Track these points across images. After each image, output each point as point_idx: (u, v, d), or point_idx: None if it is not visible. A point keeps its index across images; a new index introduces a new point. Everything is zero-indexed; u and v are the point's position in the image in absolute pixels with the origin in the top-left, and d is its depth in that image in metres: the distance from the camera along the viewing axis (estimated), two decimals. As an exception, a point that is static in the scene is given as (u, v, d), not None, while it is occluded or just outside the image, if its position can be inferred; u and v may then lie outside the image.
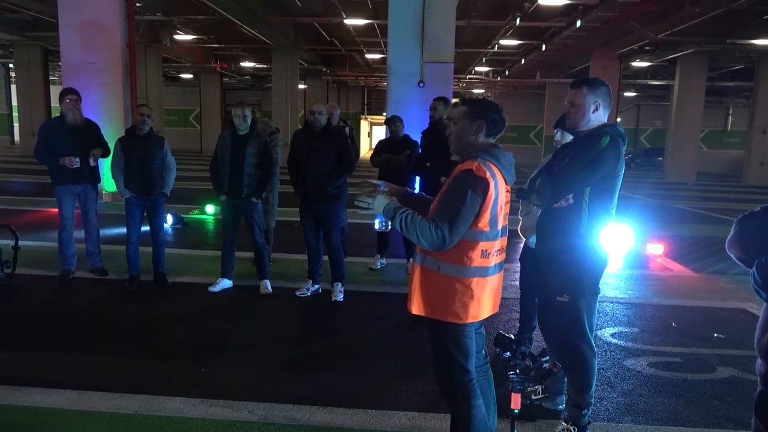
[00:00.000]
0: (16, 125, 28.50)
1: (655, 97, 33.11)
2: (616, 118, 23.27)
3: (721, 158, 32.45)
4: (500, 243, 2.48)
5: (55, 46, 21.24)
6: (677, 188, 18.98)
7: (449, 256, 2.37)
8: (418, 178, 5.95)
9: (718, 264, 7.35)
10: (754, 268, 1.72)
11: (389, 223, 2.51)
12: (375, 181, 2.61)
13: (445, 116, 5.35)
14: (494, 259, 2.45)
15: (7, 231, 5.54)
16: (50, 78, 25.50)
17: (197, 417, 3.21)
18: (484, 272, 2.42)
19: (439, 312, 2.43)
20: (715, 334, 4.76)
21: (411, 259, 6.43)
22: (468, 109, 2.50)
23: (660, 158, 27.62)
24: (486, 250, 2.40)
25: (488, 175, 2.34)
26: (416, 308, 2.49)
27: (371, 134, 42.19)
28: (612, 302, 5.62)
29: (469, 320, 2.43)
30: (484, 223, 2.37)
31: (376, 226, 2.67)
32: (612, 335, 4.71)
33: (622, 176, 2.84)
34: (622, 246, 7.67)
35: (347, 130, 6.58)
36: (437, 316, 2.44)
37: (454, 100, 6.76)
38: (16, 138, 29.44)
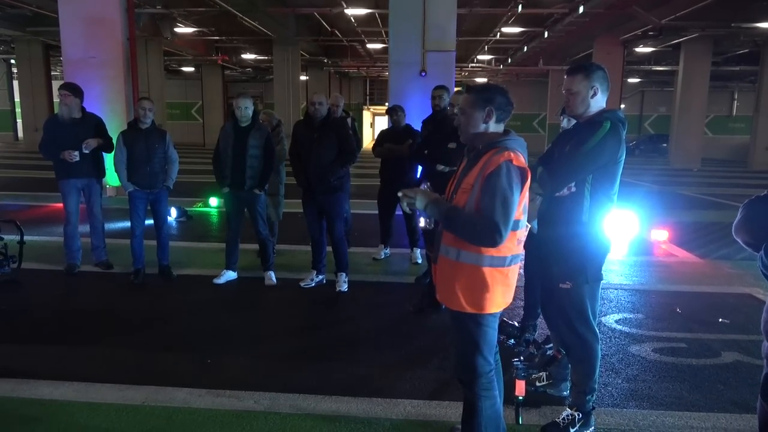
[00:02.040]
0: (19, 121, 28.57)
1: (660, 83, 32.89)
2: (620, 104, 23.10)
3: (726, 144, 32.26)
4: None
5: (56, 41, 21.22)
6: (682, 174, 18.89)
7: (489, 248, 2.37)
8: (419, 167, 5.95)
9: (723, 249, 7.33)
10: (762, 252, 1.71)
11: (433, 221, 2.51)
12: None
13: (450, 106, 5.33)
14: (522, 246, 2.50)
15: (13, 226, 5.58)
16: (52, 73, 25.52)
17: (203, 407, 3.23)
18: (518, 259, 2.47)
19: (478, 305, 2.41)
20: (720, 319, 4.75)
21: (415, 249, 6.52)
22: (475, 97, 2.44)
23: (664, 145, 27.50)
24: (520, 239, 2.44)
25: (525, 164, 2.37)
26: (453, 304, 2.45)
27: (374, 125, 42.11)
28: (616, 289, 5.62)
29: (503, 307, 2.48)
30: (519, 212, 2.37)
31: (421, 224, 2.61)
32: (617, 321, 4.71)
33: (623, 162, 2.83)
34: (627, 232, 7.65)
35: (349, 120, 6.56)
36: (476, 309, 2.42)
37: (456, 89, 6.73)
38: (20, 134, 29.52)
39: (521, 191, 2.33)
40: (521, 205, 2.37)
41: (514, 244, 2.41)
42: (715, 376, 3.71)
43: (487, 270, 2.38)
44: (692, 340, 4.34)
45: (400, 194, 2.49)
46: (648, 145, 30.70)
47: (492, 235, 2.28)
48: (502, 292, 2.42)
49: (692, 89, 21.50)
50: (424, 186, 2.59)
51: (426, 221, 2.57)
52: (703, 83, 21.57)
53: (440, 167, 4.62)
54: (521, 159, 2.36)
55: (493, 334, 2.51)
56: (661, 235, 7.74)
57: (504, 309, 2.51)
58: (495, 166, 2.30)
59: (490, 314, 2.46)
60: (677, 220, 9.38)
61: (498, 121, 2.45)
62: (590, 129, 2.77)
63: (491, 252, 2.36)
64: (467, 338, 2.50)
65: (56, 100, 5.87)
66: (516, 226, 2.37)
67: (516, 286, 2.54)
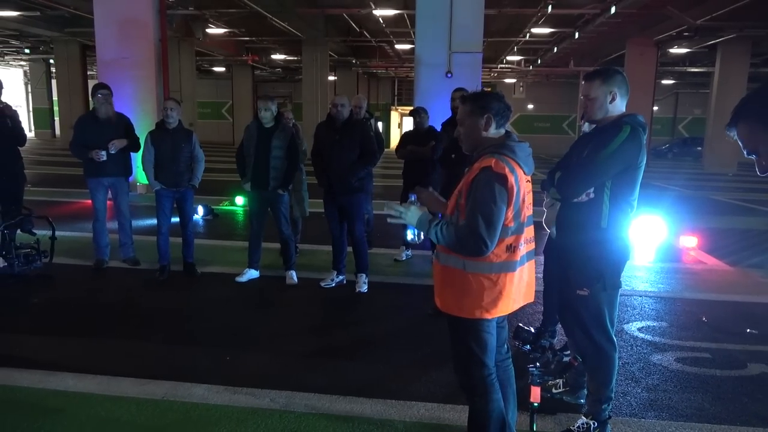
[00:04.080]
0: (56, 119, 29.45)
1: (695, 85, 32.05)
2: (653, 106, 22.61)
3: (764, 147, 31.23)
4: (527, 233, 2.47)
5: (93, 41, 21.81)
6: (716, 179, 18.39)
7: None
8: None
9: (755, 257, 7.13)
10: None
11: (422, 235, 2.51)
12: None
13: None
14: (520, 252, 2.43)
15: (45, 222, 5.76)
16: (88, 73, 26.23)
17: (221, 404, 3.29)
18: (511, 267, 2.40)
19: (466, 309, 2.41)
20: (748, 330, 4.61)
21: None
22: (472, 106, 2.47)
23: (699, 148, 26.78)
24: (511, 245, 2.39)
25: (507, 170, 2.31)
26: (444, 306, 2.48)
27: (401, 125, 42.06)
28: (641, 296, 5.51)
29: (496, 315, 2.43)
30: (508, 219, 2.34)
31: (408, 238, 2.63)
32: (639, 329, 4.62)
33: (643, 167, 2.78)
34: (655, 238, 7.50)
35: (372, 121, 6.58)
36: (465, 314, 2.42)
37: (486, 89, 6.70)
38: (57, 131, 30.43)
39: (507, 198, 2.30)
40: (510, 210, 2.33)
41: (503, 250, 2.36)
42: (739, 388, 3.61)
43: (472, 275, 2.37)
44: (717, 350, 4.23)
45: (385, 209, 2.50)
46: (681, 149, 29.92)
47: (478, 247, 2.29)
48: (493, 298, 2.38)
49: (729, 91, 20.84)
50: (412, 199, 2.56)
51: (414, 235, 2.56)
52: (740, 85, 20.91)
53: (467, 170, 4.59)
54: (502, 165, 2.31)
55: (488, 338, 2.47)
56: (690, 241, 7.55)
57: (503, 315, 2.47)
58: (474, 173, 2.34)
59: (482, 319, 2.42)
60: (708, 226, 9.14)
61: (497, 127, 2.46)
62: (609, 133, 2.73)
63: (476, 258, 2.35)
64: (460, 343, 2.51)
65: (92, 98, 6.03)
66: (505, 232, 2.35)
67: (537, 290, 2.52)
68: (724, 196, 13.81)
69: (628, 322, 4.75)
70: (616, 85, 2.76)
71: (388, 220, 2.52)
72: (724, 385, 3.66)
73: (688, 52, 22.71)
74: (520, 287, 2.47)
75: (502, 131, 2.48)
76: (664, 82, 30.45)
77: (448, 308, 2.46)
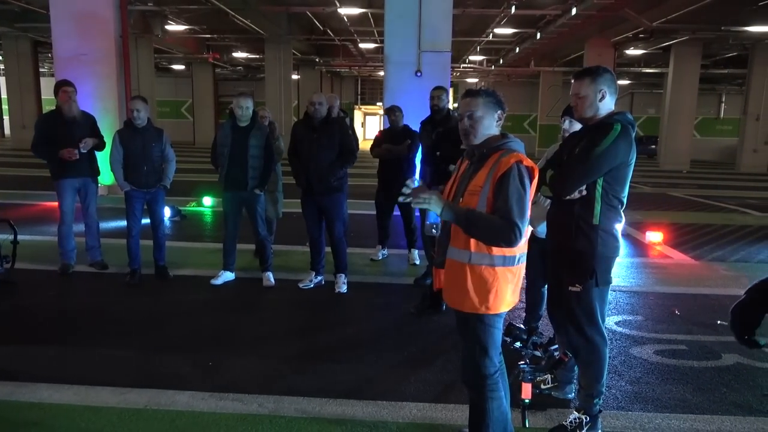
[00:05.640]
0: (6, 118, 28.20)
1: (649, 85, 33.12)
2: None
3: (714, 146, 32.59)
4: None
5: (45, 37, 20.98)
6: (671, 176, 19.04)
7: (503, 248, 2.37)
8: (418, 167, 5.93)
9: (717, 251, 7.40)
10: None
11: (440, 228, 2.49)
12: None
13: (453, 110, 5.32)
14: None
15: (6, 225, 5.49)
16: (40, 70, 25.20)
17: (207, 411, 3.19)
18: (524, 257, 2.49)
19: (491, 305, 2.41)
20: (719, 321, 4.77)
21: (413, 250, 6.49)
22: (487, 100, 2.46)
23: (653, 146, 27.71)
24: (526, 236, 2.46)
25: (532, 163, 2.40)
26: (464, 305, 2.46)
27: (365, 124, 42.11)
28: (614, 290, 5.62)
29: (512, 306, 2.49)
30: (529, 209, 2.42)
31: (431, 231, 2.55)
32: (617, 323, 4.73)
33: (633, 164, 2.83)
34: (621, 234, 7.69)
35: (348, 120, 6.53)
36: (489, 309, 2.42)
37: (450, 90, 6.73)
38: (6, 131, 29.14)
39: (531, 190, 2.39)
40: (530, 202, 2.42)
41: (524, 242, 2.43)
42: (717, 379, 3.73)
43: (499, 270, 2.40)
44: (692, 342, 4.36)
45: (407, 193, 2.37)
46: (637, 147, 30.83)
47: (513, 236, 2.31)
48: (512, 290, 2.46)
49: (682, 91, 21.69)
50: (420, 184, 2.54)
51: (434, 228, 2.53)
52: (692, 86, 21.77)
53: (453, 167, 4.59)
54: (528, 159, 2.41)
55: (498, 335, 2.53)
56: (655, 236, 7.78)
57: (510, 309, 2.52)
58: (506, 167, 2.33)
59: (497, 315, 2.48)
60: (669, 221, 9.45)
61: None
62: (601, 132, 2.76)
63: (503, 252, 2.38)
64: (475, 340, 2.51)
65: (45, 96, 5.78)
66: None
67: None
68: (682, 193, 14.32)
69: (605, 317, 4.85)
70: (606, 83, 2.80)
71: (413, 204, 2.38)
72: (702, 375, 3.78)
73: (643, 53, 23.42)
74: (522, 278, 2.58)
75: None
76: (621, 82, 31.27)
77: (471, 306, 2.43)
